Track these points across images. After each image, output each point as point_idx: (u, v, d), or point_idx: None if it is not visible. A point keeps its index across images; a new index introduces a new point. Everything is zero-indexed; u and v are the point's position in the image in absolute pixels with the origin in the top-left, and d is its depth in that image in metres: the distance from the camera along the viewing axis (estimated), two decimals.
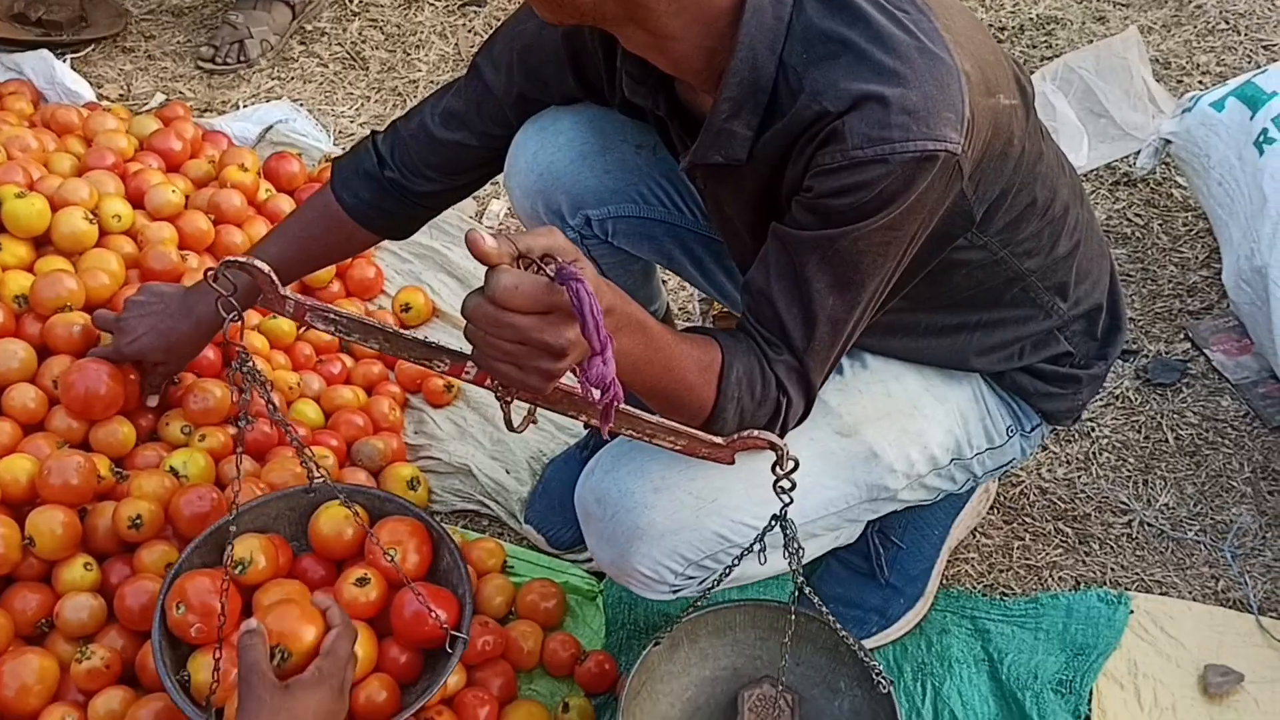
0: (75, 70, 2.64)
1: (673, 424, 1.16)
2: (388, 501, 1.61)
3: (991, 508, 1.86)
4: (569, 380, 1.08)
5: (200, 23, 2.88)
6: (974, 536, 1.83)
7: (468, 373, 1.11)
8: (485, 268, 0.94)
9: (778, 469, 1.13)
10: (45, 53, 2.62)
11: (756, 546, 1.27)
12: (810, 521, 1.44)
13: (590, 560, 1.84)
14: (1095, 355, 1.50)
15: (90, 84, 2.63)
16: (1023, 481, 1.90)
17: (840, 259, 1.16)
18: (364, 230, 1.58)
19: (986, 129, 1.16)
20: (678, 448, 1.18)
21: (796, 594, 1.34)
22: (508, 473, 1.98)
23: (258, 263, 1.10)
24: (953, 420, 1.47)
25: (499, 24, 2.43)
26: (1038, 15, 2.82)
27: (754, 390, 1.20)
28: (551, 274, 0.94)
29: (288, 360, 2.00)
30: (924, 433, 1.45)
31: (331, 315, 1.11)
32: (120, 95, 2.69)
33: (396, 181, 1.53)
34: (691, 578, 1.42)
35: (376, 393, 2.04)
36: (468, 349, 1.05)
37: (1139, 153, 2.38)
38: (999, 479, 1.87)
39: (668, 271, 1.71)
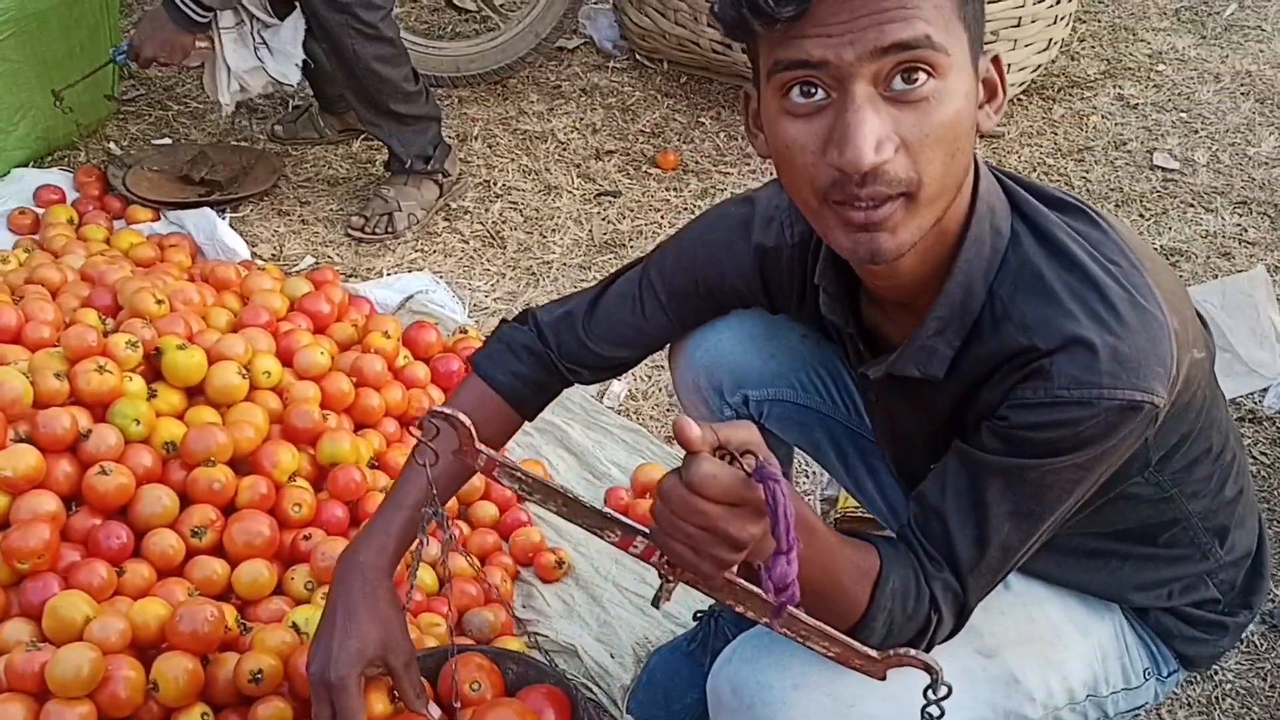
0: (233, 229, 2.82)
1: (829, 630, 1.15)
2: (531, 666, 1.67)
3: None
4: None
5: (352, 193, 3.06)
6: None
7: (635, 546, 1.13)
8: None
9: (930, 693, 1.10)
10: (208, 210, 2.81)
11: None
12: None
13: None
14: (1239, 604, 1.48)
15: (245, 242, 2.80)
16: None
17: (1025, 489, 1.16)
18: (514, 412, 1.56)
19: (1180, 381, 1.17)
20: (831, 654, 1.18)
21: None
22: (612, 657, 1.98)
23: (460, 415, 1.14)
24: (1093, 655, 1.44)
25: (659, 233, 2.49)
26: (1162, 246, 2.86)
27: (907, 604, 1.20)
28: (749, 469, 0.97)
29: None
30: (1065, 663, 1.42)
31: (519, 475, 1.16)
32: (273, 255, 2.85)
33: (553, 359, 1.53)
34: None
35: (489, 563, 2.07)
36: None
37: (1266, 391, 2.37)
38: None
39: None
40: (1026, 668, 1.40)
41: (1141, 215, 2.98)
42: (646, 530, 1.09)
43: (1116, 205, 3.01)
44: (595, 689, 1.92)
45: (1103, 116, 3.38)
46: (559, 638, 1.99)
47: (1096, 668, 1.45)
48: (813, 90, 1.04)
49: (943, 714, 1.10)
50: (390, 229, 2.89)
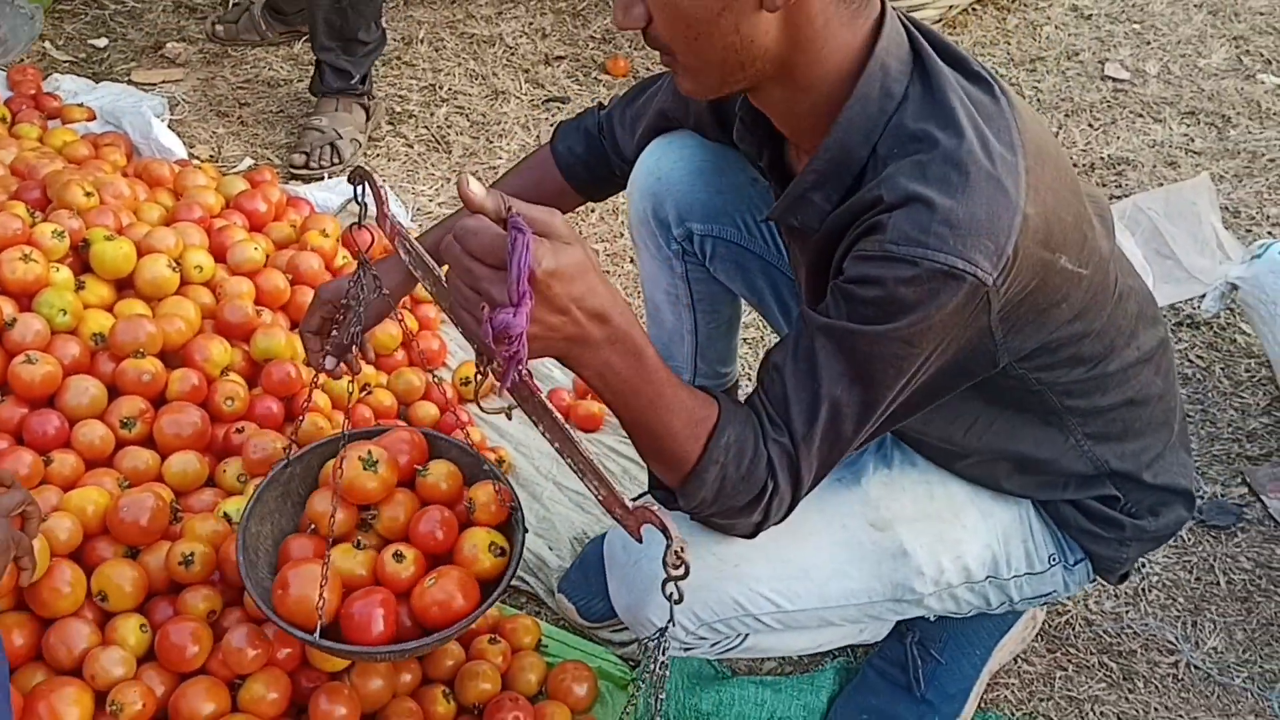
0: (170, 130, 2.75)
1: (602, 470, 1.13)
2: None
3: (1035, 635, 1.83)
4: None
5: (293, 96, 2.99)
6: (1015, 662, 1.80)
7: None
8: None
9: (667, 567, 1.04)
10: (145, 109, 2.73)
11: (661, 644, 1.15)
12: (829, 608, 1.44)
13: (625, 645, 1.83)
14: (1147, 510, 1.47)
15: (183, 143, 2.73)
16: (1069, 611, 1.87)
17: (855, 356, 1.15)
18: (568, 184, 1.66)
19: (1031, 278, 1.15)
20: (599, 496, 1.14)
21: None
22: (550, 549, 1.98)
23: (375, 176, 1.29)
24: (993, 536, 1.46)
25: None
26: (1109, 155, 2.86)
27: (742, 462, 1.17)
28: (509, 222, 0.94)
29: (347, 424, 2.03)
30: (961, 542, 1.44)
31: (409, 246, 1.26)
32: (211, 156, 2.78)
33: (602, 144, 1.65)
34: (704, 638, 1.45)
35: None
36: None
37: (1204, 296, 2.39)
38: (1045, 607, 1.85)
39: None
40: (918, 542, 1.43)
41: (1090, 125, 2.97)
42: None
43: (1066, 115, 3.00)
44: (532, 581, 1.93)
45: (1056, 26, 3.35)
46: None
47: (996, 549, 1.46)
48: None
49: (680, 598, 1.04)
50: (337, 159, 2.73)
